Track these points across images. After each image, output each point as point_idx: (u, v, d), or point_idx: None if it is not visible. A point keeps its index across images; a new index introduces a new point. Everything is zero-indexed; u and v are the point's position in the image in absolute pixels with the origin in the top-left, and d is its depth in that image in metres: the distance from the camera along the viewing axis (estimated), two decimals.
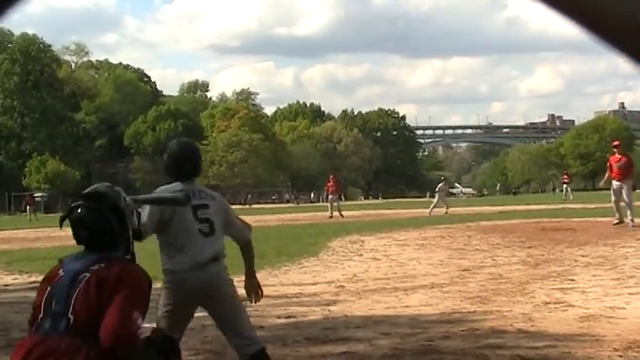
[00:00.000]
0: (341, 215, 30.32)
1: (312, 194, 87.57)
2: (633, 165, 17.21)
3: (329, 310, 7.59)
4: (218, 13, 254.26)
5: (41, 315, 2.76)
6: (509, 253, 12.60)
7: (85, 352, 2.66)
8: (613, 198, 16.69)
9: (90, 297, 2.75)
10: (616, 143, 18.30)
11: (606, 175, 17.29)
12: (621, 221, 16.34)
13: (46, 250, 17.33)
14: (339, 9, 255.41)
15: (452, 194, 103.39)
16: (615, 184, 16.67)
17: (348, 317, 7.18)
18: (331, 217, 30.17)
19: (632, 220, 16.09)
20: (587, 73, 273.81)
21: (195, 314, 7.31)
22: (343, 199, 32.21)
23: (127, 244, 3.09)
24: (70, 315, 2.71)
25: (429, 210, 30.09)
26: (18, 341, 2.78)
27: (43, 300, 2.79)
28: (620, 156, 17.09)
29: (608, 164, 17.30)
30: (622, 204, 16.49)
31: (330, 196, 32.40)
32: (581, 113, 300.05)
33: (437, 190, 32.95)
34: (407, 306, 7.74)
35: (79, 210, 2.99)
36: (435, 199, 32.15)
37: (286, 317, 7.28)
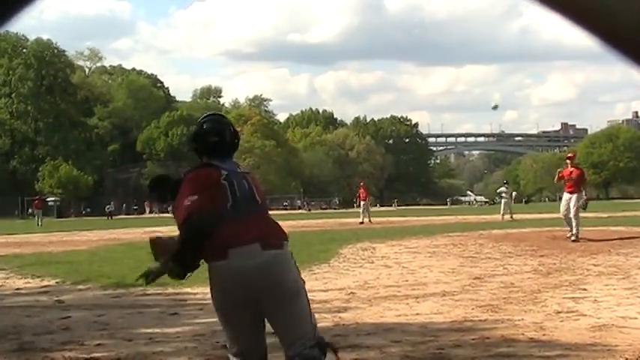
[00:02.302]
0: (367, 222, 31.43)
1: (337, 200, 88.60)
2: (585, 179, 17.11)
3: (339, 317, 7.57)
4: (232, 19, 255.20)
5: (230, 202, 3.75)
6: (521, 261, 12.55)
7: (269, 218, 3.98)
8: (563, 210, 16.63)
9: (257, 187, 3.97)
10: (569, 155, 18.12)
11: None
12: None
13: (58, 254, 17.40)
14: (353, 16, 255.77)
15: (466, 202, 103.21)
16: (566, 196, 16.62)
17: (359, 324, 7.16)
18: (367, 222, 31.29)
19: (577, 234, 16.11)
20: (600, 82, 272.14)
21: (204, 320, 7.34)
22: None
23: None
24: (257, 198, 3.91)
25: (501, 217, 30.25)
26: (228, 224, 3.67)
27: (229, 191, 3.77)
28: (572, 169, 16.77)
29: (559, 176, 16.91)
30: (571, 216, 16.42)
31: (362, 203, 33.33)
32: (594, 122, 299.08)
33: (501, 194, 32.60)
34: (418, 314, 7.71)
35: (210, 120, 4.09)
36: (502, 205, 31.81)
37: None
